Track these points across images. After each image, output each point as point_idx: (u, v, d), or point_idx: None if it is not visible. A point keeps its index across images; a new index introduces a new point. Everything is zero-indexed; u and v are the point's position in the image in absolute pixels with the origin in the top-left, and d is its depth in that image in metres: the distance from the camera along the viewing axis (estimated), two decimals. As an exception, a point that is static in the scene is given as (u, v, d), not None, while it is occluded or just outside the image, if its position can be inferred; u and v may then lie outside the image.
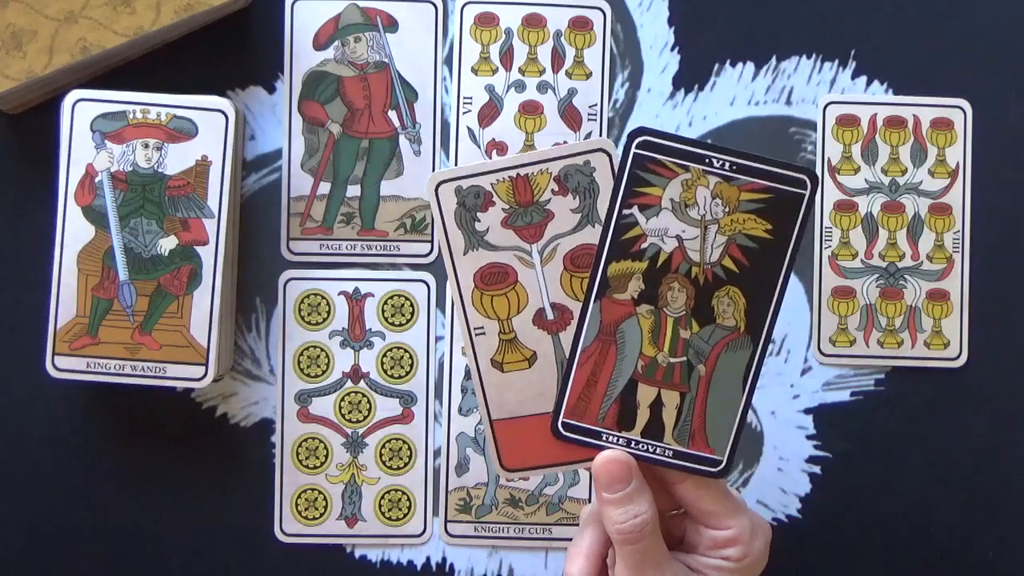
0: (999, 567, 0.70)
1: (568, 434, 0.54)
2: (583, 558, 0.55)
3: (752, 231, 0.52)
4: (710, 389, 0.53)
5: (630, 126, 0.71)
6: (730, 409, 0.53)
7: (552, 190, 0.54)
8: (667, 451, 0.53)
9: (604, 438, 0.53)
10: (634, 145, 0.51)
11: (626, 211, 0.52)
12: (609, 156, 0.54)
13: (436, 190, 0.54)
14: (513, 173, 0.54)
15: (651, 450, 0.53)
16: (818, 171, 0.70)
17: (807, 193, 0.52)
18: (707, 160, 0.51)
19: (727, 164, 0.51)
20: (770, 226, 0.52)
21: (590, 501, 0.70)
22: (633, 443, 0.53)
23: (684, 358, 0.53)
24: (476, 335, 0.55)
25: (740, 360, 0.53)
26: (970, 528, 0.70)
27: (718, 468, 0.53)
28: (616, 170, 0.52)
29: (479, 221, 0.54)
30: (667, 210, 0.52)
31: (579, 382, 0.53)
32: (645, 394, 0.53)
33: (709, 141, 0.51)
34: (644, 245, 0.52)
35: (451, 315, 0.70)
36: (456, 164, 0.70)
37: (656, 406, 0.53)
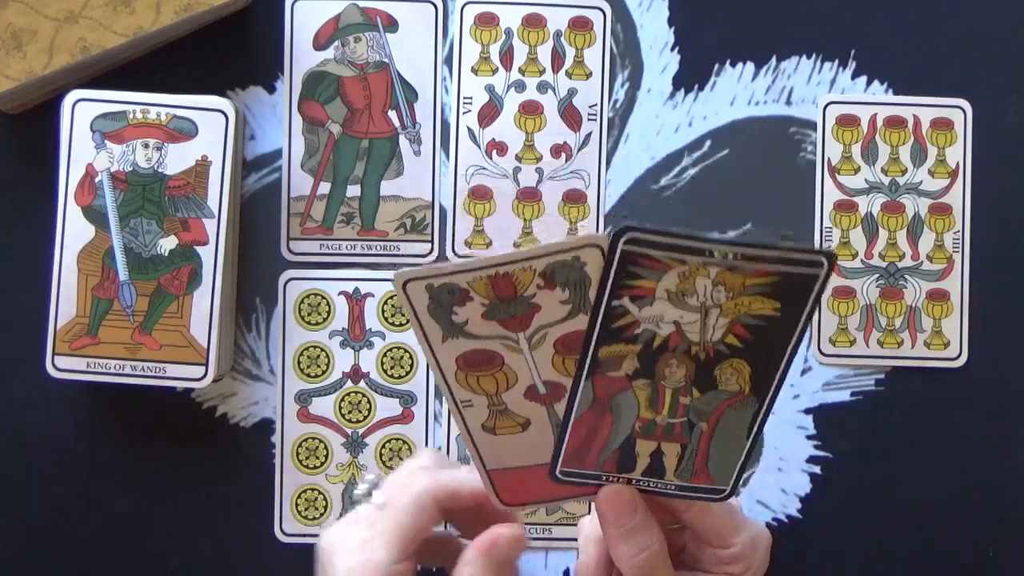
0: (999, 567, 0.70)
1: (567, 478, 0.52)
2: None
3: (759, 311, 0.47)
4: (712, 441, 0.51)
5: (630, 126, 0.71)
6: (734, 452, 0.51)
7: (537, 285, 0.48)
8: (670, 486, 0.52)
9: (604, 479, 0.52)
10: (621, 242, 0.45)
11: (615, 302, 0.47)
12: (602, 250, 0.47)
13: (404, 287, 0.47)
14: (491, 272, 0.47)
15: (654, 486, 0.52)
16: (818, 171, 0.71)
17: (822, 273, 0.46)
18: (706, 252, 0.45)
19: (730, 254, 0.46)
20: (779, 304, 0.47)
21: (589, 510, 0.70)
22: (634, 481, 0.52)
23: (685, 419, 0.50)
24: (464, 407, 0.51)
25: (745, 416, 0.50)
26: (970, 528, 0.70)
27: (722, 496, 0.52)
28: (604, 263, 0.46)
29: (456, 315, 0.48)
30: (662, 300, 0.47)
31: (573, 444, 0.51)
32: (644, 447, 0.51)
33: (706, 234, 0.45)
34: (637, 331, 0.48)
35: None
36: (456, 164, 0.70)
37: (656, 455, 0.51)
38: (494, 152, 0.70)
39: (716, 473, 0.52)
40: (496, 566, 0.52)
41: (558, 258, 0.47)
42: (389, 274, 0.70)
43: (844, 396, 0.70)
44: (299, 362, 0.70)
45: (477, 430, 0.52)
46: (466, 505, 0.54)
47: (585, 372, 0.49)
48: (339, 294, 0.70)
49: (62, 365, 0.64)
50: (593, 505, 0.54)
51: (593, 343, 0.48)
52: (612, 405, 0.50)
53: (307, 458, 0.69)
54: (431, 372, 0.50)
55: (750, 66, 0.71)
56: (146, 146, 0.64)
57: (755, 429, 0.50)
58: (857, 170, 0.71)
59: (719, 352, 0.48)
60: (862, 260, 0.70)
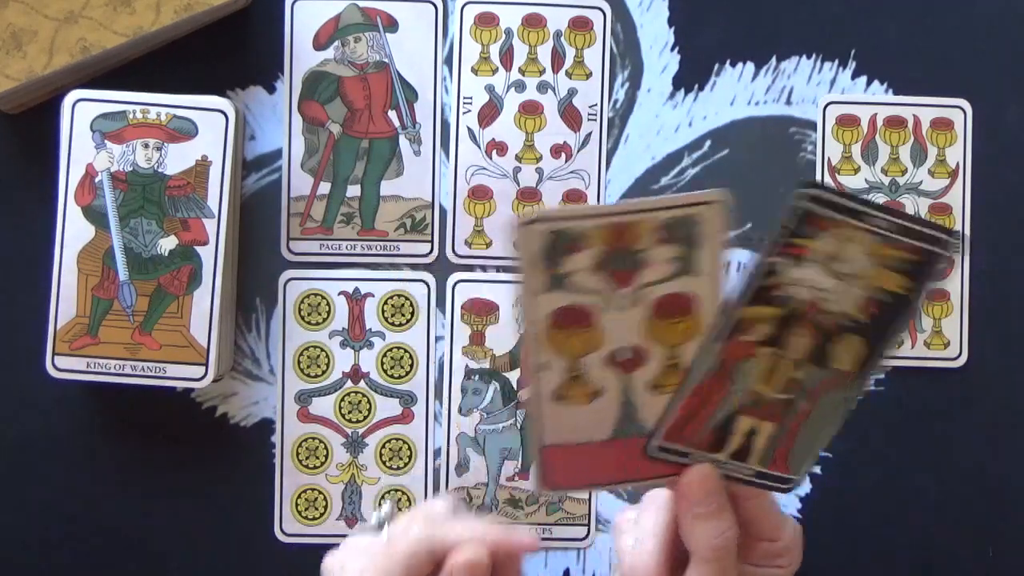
0: (999, 567, 0.70)
1: (661, 454, 0.52)
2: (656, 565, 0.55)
3: (891, 287, 0.49)
4: (805, 423, 0.52)
5: (630, 126, 0.71)
6: (818, 439, 0.52)
7: (653, 239, 0.49)
8: (749, 471, 0.53)
9: (691, 457, 0.52)
10: (801, 200, 0.47)
11: (773, 259, 0.48)
12: (721, 206, 0.49)
13: (522, 230, 0.48)
14: (615, 220, 0.48)
15: (734, 470, 0.52)
16: (818, 171, 0.71)
17: (947, 253, 0.48)
18: (873, 220, 0.48)
19: (887, 223, 0.48)
20: (907, 283, 0.49)
21: (589, 499, 0.70)
22: (719, 463, 0.52)
23: (790, 396, 0.51)
24: (541, 370, 0.51)
25: (841, 400, 0.51)
26: (970, 528, 0.70)
27: (789, 486, 0.53)
28: (783, 218, 0.48)
29: (563, 265, 0.49)
30: (815, 262, 0.48)
31: (684, 414, 0.51)
32: (743, 424, 0.52)
33: (877, 200, 0.48)
34: (780, 293, 0.49)
35: (451, 315, 0.70)
36: (456, 164, 0.70)
37: (751, 434, 0.52)
38: (494, 152, 0.70)
39: (794, 461, 0.52)
40: None
41: (679, 212, 0.48)
42: (389, 274, 0.70)
43: (844, 396, 0.70)
44: (299, 362, 0.70)
45: (547, 397, 0.52)
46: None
47: (720, 334, 0.49)
48: (339, 294, 0.70)
49: (62, 365, 0.64)
50: (643, 496, 0.54)
51: (739, 304, 0.49)
52: (732, 372, 0.51)
53: (307, 458, 0.69)
54: (522, 329, 0.50)
55: (750, 66, 0.71)
56: (146, 146, 0.64)
57: (843, 415, 0.51)
58: (857, 170, 0.71)
59: (842, 326, 0.50)
60: (862, 260, 0.70)
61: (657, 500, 0.56)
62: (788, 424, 0.52)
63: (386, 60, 0.70)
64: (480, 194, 0.70)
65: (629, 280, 0.50)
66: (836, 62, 0.71)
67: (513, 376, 0.70)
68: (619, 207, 0.49)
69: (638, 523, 0.57)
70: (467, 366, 0.70)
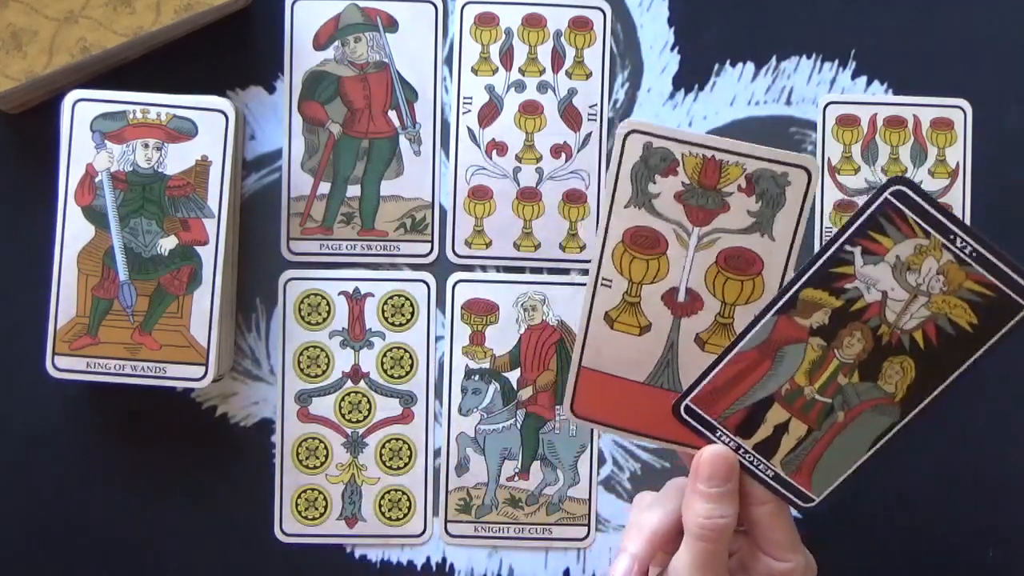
0: (999, 567, 0.70)
1: (686, 416, 0.53)
2: (644, 539, 0.55)
3: (958, 318, 0.50)
4: (837, 437, 0.52)
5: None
6: (846, 461, 0.52)
7: (739, 185, 0.52)
8: (769, 471, 0.53)
9: (717, 434, 0.53)
10: (888, 191, 0.49)
11: (848, 247, 0.50)
12: (809, 176, 0.51)
13: (625, 137, 0.52)
14: (709, 153, 0.51)
15: (755, 464, 0.53)
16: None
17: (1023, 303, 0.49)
18: (952, 236, 0.49)
19: (969, 248, 0.49)
20: (977, 321, 0.50)
21: (589, 499, 0.70)
22: (741, 451, 0.53)
23: (830, 401, 0.51)
24: (601, 285, 0.53)
25: (880, 424, 0.51)
26: (970, 528, 0.70)
27: (808, 504, 0.53)
28: (861, 207, 0.49)
29: (654, 183, 0.52)
30: (888, 264, 0.49)
31: (720, 379, 0.52)
32: (776, 415, 0.52)
33: (961, 218, 0.51)
34: (848, 286, 0.50)
35: (451, 315, 0.70)
36: (456, 164, 0.70)
37: (780, 429, 0.52)
38: (494, 152, 0.70)
39: (818, 478, 0.52)
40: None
41: (770, 166, 0.51)
42: (389, 274, 0.70)
43: (844, 396, 0.70)
44: (299, 362, 0.70)
45: (598, 317, 0.53)
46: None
47: (778, 307, 0.50)
48: (339, 294, 0.70)
49: (62, 365, 0.64)
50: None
51: (803, 281, 0.50)
52: (778, 352, 0.51)
53: (307, 458, 0.69)
54: (596, 240, 0.52)
55: (750, 66, 0.71)
56: (146, 146, 0.64)
57: (879, 445, 0.51)
58: (857, 170, 0.71)
59: (900, 344, 0.50)
60: (862, 260, 0.70)
61: (679, 487, 0.56)
62: (820, 433, 0.52)
63: (386, 60, 0.70)
64: (480, 194, 0.70)
65: (706, 220, 0.52)
66: (836, 62, 0.71)
67: (513, 376, 0.70)
68: (717, 140, 0.51)
69: (652, 507, 0.57)
70: (467, 366, 0.70)
